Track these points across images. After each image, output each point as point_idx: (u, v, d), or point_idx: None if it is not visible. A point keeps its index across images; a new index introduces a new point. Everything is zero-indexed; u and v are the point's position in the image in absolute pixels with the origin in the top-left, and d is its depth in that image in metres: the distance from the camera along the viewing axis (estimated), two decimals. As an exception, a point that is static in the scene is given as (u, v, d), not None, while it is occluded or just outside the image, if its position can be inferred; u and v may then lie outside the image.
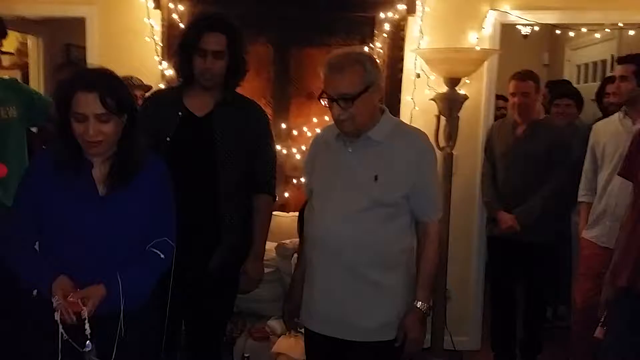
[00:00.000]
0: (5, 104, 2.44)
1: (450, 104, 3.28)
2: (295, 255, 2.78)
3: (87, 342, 1.55)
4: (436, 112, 3.34)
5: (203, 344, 2.38)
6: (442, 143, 3.31)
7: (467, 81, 3.42)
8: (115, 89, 1.76)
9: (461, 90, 3.32)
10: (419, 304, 1.94)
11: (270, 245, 2.91)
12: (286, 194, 3.72)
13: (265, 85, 3.92)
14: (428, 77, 3.53)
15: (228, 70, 2.26)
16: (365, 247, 1.90)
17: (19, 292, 1.85)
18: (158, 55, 3.69)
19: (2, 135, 2.43)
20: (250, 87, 2.51)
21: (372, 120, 1.93)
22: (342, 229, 1.90)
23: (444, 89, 3.30)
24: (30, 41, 4.86)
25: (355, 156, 1.94)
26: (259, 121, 2.40)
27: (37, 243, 1.83)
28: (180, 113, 2.28)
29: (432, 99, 3.35)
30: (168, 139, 2.25)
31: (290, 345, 2.58)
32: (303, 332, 2.63)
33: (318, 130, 3.83)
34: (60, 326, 1.57)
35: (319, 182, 2.03)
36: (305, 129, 3.94)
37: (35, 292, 1.79)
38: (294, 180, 3.90)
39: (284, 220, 3.40)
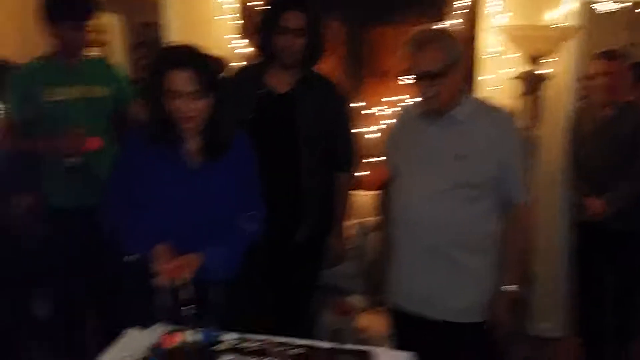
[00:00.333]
0: (100, 83, 2.56)
1: (532, 83, 3.18)
2: (376, 232, 2.79)
3: (184, 307, 1.60)
4: (519, 91, 3.23)
5: (289, 315, 2.46)
6: (524, 124, 3.20)
7: (551, 59, 3.29)
8: (205, 65, 1.81)
9: (544, 69, 3.20)
10: (506, 287, 1.92)
11: (350, 223, 2.93)
12: (363, 173, 3.71)
13: (337, 64, 3.90)
14: (510, 55, 3.41)
15: (307, 48, 2.28)
16: (448, 228, 1.89)
17: (117, 258, 1.93)
18: (233, 34, 3.73)
19: (96, 112, 2.55)
20: (322, 66, 2.51)
21: (456, 99, 1.91)
22: (425, 208, 1.90)
23: (525, 67, 3.19)
24: (109, 19, 5.00)
25: (439, 135, 1.93)
26: (339, 101, 2.42)
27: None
28: (261, 91, 2.32)
29: (512, 78, 3.25)
30: (250, 116, 2.30)
31: (373, 321, 2.60)
32: (386, 308, 2.68)
33: (391, 110, 3.87)
34: (158, 291, 1.62)
35: (402, 160, 2.03)
36: (378, 108, 3.92)
37: (130, 257, 1.87)
38: (370, 160, 3.89)
39: (363, 198, 3.41)
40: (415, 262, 1.95)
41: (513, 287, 1.91)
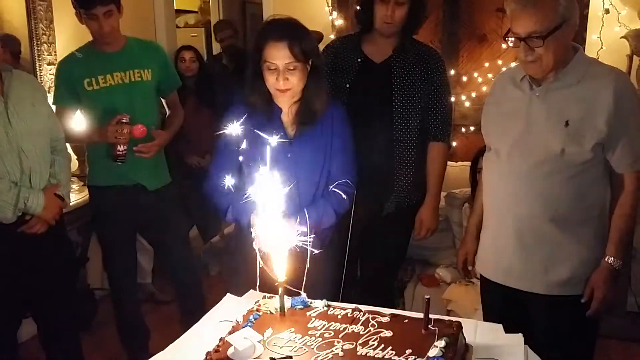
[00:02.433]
0: (142, 67, 2.54)
1: (644, 42, 2.94)
2: (466, 204, 2.76)
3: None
4: (628, 51, 3.01)
5: (377, 285, 2.50)
6: (635, 86, 2.98)
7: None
8: (302, 37, 1.86)
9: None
10: (610, 259, 1.79)
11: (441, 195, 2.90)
12: (454, 143, 3.65)
13: (434, 28, 3.82)
14: (619, 12, 3.17)
15: (408, 17, 2.26)
16: (548, 200, 1.77)
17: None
18: (329, 6, 3.77)
19: (138, 95, 2.55)
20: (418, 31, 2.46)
21: (563, 61, 1.74)
22: (524, 179, 1.79)
23: (638, 24, 2.96)
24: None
25: (543, 100, 1.78)
26: (437, 70, 2.37)
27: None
28: (359, 60, 2.34)
29: (623, 37, 3.03)
30: (347, 85, 2.32)
31: (461, 293, 2.59)
32: (473, 281, 2.66)
33: (490, 76, 3.75)
34: (259, 254, 1.69)
35: (501, 128, 1.90)
36: (475, 74, 3.80)
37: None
38: (463, 129, 3.81)
39: (453, 169, 3.35)
40: (510, 235, 1.85)
41: (616, 261, 1.79)
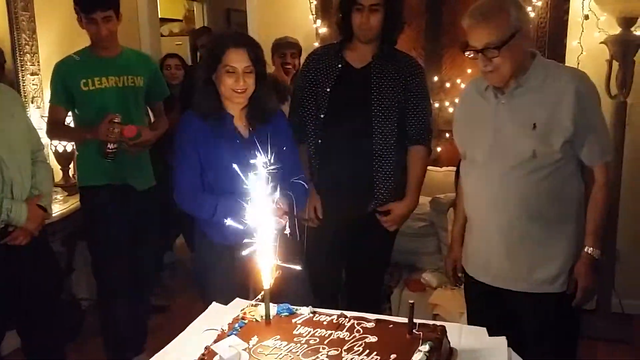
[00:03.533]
0: (135, 73, 2.70)
1: (624, 47, 2.99)
2: (451, 209, 2.78)
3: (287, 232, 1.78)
4: (607, 56, 3.06)
5: (363, 289, 2.53)
6: (614, 91, 3.04)
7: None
8: (256, 46, 2.09)
9: (637, 32, 3.00)
10: (589, 249, 1.86)
11: (424, 200, 2.93)
12: (439, 149, 3.67)
13: (416, 36, 3.85)
14: (598, 18, 3.22)
15: (384, 23, 2.32)
16: (527, 201, 1.83)
17: None
18: (313, 14, 3.79)
19: (129, 100, 2.70)
20: (401, 38, 2.52)
21: (522, 68, 1.82)
22: (501, 183, 1.85)
23: (616, 30, 3.01)
24: (196, 7, 5.22)
25: (509, 107, 1.85)
26: (415, 76, 2.43)
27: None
28: (340, 65, 2.41)
29: (602, 42, 3.07)
30: (328, 89, 2.39)
31: (447, 297, 2.61)
32: (460, 286, 2.68)
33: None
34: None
35: (472, 136, 1.97)
36: (458, 80, 3.83)
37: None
38: (447, 135, 3.84)
39: (438, 174, 3.39)
40: (491, 237, 1.91)
41: (595, 251, 1.86)
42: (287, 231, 1.80)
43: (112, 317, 2.79)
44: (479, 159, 1.93)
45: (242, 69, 2.02)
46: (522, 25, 1.78)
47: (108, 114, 2.51)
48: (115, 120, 2.51)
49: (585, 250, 1.86)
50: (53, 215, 2.55)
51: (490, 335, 1.58)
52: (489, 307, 2.00)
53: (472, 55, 1.81)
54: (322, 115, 2.38)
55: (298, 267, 1.63)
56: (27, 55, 3.30)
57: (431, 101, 2.81)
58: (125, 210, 2.67)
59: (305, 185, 2.08)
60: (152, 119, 3.02)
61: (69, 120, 2.81)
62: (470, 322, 2.07)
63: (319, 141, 2.41)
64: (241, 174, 1.67)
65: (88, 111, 2.64)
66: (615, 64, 3.04)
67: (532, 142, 1.80)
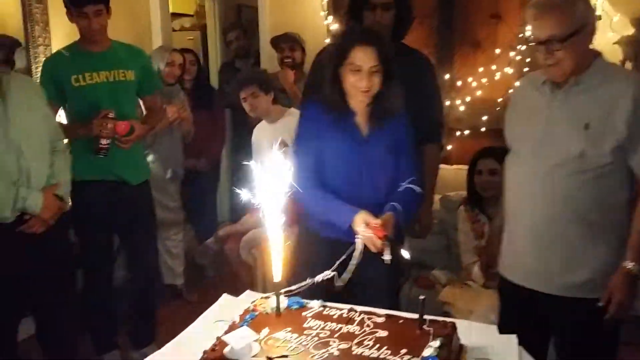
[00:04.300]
0: (125, 67, 2.67)
1: (637, 48, 2.98)
2: (461, 207, 2.78)
3: (387, 257, 1.74)
4: (621, 57, 3.05)
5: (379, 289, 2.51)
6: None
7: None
8: (386, 44, 1.97)
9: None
10: (629, 264, 1.75)
11: (434, 198, 2.92)
12: (449, 147, 3.68)
13: (428, 34, 3.85)
14: (611, 19, 3.21)
15: (395, 21, 2.31)
16: (568, 202, 1.77)
17: None
18: (324, 11, 3.79)
19: (121, 94, 2.67)
20: (413, 37, 2.52)
21: (583, 65, 1.76)
22: (544, 180, 1.80)
23: (630, 30, 3.00)
24: (207, 3, 5.21)
25: (563, 103, 1.79)
26: (427, 73, 2.42)
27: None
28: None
29: (616, 43, 3.07)
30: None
31: (456, 295, 2.61)
32: (469, 283, 2.68)
33: (484, 81, 3.78)
34: (358, 252, 1.77)
35: (520, 132, 1.92)
36: (470, 79, 3.84)
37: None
38: (458, 133, 3.84)
39: (448, 172, 3.38)
40: (527, 234, 1.86)
41: (636, 266, 1.75)
42: (387, 257, 1.75)
43: (94, 312, 2.82)
44: (525, 153, 1.87)
45: (368, 68, 1.92)
46: (588, 21, 1.72)
47: (102, 110, 2.51)
48: (109, 116, 2.51)
49: (625, 265, 1.76)
50: (70, 205, 2.55)
51: (522, 338, 1.56)
52: (522, 308, 1.95)
53: (533, 47, 1.75)
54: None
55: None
56: (41, 47, 3.32)
57: (442, 98, 2.82)
58: (113, 205, 2.67)
59: (417, 190, 2.00)
60: (144, 113, 2.99)
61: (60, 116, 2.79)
62: (502, 321, 2.05)
63: None
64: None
65: (80, 107, 2.62)
66: (629, 65, 3.03)
67: (582, 142, 1.74)
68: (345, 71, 1.95)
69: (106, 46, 2.65)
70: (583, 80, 1.77)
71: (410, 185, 1.99)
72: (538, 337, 1.97)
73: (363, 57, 1.91)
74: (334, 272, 1.68)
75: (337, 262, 1.71)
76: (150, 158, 2.95)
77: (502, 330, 1.64)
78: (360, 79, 1.93)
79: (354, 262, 1.77)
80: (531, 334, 1.89)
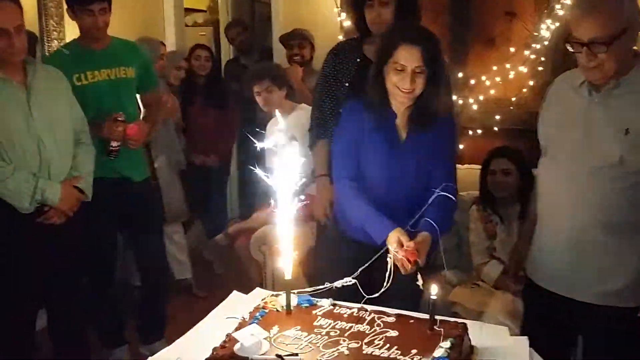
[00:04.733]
0: (124, 64, 2.65)
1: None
2: (473, 207, 2.76)
3: (419, 282, 1.65)
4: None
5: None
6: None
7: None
8: (434, 44, 1.90)
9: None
10: None
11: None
12: (461, 146, 3.65)
13: (442, 32, 3.80)
14: None
15: (397, 16, 2.28)
16: (605, 208, 1.71)
17: None
18: (338, 7, 3.78)
19: (123, 92, 2.66)
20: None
21: (625, 66, 1.68)
22: (580, 185, 1.73)
23: None
24: (220, -1, 5.23)
25: (603, 107, 1.71)
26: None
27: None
28: (358, 59, 2.38)
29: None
30: (346, 84, 2.37)
31: (466, 295, 2.59)
32: (479, 284, 2.67)
33: (498, 79, 3.74)
34: (389, 270, 1.70)
35: (555, 134, 1.85)
36: (483, 77, 3.80)
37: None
38: (470, 132, 3.81)
39: (460, 171, 3.28)
40: (561, 240, 1.80)
41: None
42: (420, 283, 1.66)
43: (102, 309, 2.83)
44: (561, 157, 1.81)
45: (412, 69, 1.86)
46: (634, 21, 1.64)
47: (113, 113, 2.53)
48: (119, 119, 2.52)
49: None
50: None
51: (546, 342, 1.54)
52: (549, 314, 1.89)
53: (575, 48, 1.66)
54: (340, 110, 2.36)
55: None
56: (55, 41, 3.34)
57: (453, 98, 2.78)
58: (117, 203, 2.67)
59: (453, 199, 1.87)
60: (142, 111, 2.95)
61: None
62: (525, 326, 2.03)
63: None
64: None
65: (82, 105, 2.55)
66: None
67: (621, 148, 1.67)
68: (389, 70, 1.91)
69: (106, 43, 2.64)
70: (624, 83, 1.69)
71: (444, 193, 1.84)
72: (563, 342, 1.95)
73: (407, 57, 1.86)
74: (354, 280, 1.65)
75: (359, 270, 1.68)
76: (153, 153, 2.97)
77: (526, 334, 1.61)
78: (403, 79, 1.88)
79: (386, 284, 1.68)
80: (556, 340, 1.89)
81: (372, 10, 2.28)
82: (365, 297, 1.63)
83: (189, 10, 5.58)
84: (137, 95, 2.86)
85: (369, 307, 1.61)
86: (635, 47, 1.71)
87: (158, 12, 4.29)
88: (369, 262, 1.73)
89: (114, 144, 2.55)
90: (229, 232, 3.57)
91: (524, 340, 1.55)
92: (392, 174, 1.96)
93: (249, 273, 3.35)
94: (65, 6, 2.62)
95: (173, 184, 3.55)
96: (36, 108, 2.19)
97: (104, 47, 2.62)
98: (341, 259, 2.00)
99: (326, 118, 2.43)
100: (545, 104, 1.95)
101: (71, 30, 3.41)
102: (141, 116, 2.87)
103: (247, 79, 3.31)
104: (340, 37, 3.64)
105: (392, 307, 1.63)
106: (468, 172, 3.26)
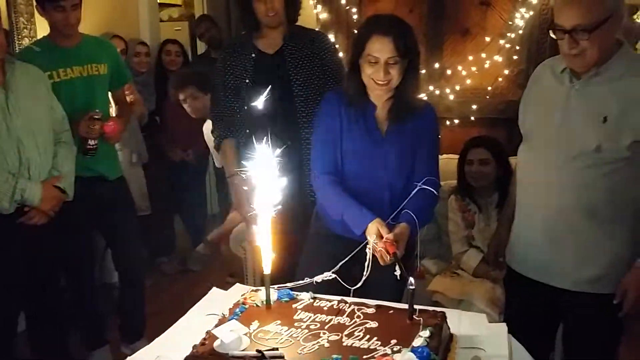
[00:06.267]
0: (98, 61, 2.62)
1: (625, 36, 2.95)
2: (452, 196, 2.78)
3: (410, 279, 1.56)
4: None
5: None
6: None
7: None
8: (407, 35, 1.87)
9: (639, 20, 2.99)
10: None
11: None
12: (439, 136, 3.67)
13: (418, 22, 3.83)
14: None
15: (286, 5, 2.31)
16: (582, 195, 1.73)
17: None
18: (313, 0, 3.77)
19: (96, 89, 2.62)
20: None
21: (607, 55, 1.68)
22: (558, 172, 1.75)
23: None
24: (195, -7, 5.16)
25: (582, 94, 1.72)
26: (327, 51, 2.41)
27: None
28: (253, 55, 2.38)
29: None
30: (247, 81, 2.36)
31: (446, 284, 2.61)
32: (459, 272, 2.69)
33: (474, 69, 3.77)
34: (368, 261, 1.70)
35: (535, 121, 1.85)
36: (459, 67, 3.83)
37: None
38: (447, 122, 3.84)
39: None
40: (538, 227, 1.82)
41: None
42: (398, 273, 1.66)
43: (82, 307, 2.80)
44: (539, 143, 1.82)
45: (385, 60, 1.83)
46: (617, 8, 1.64)
47: (89, 111, 2.48)
48: (96, 117, 2.48)
49: (636, 262, 1.73)
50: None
51: (529, 329, 1.56)
52: (530, 301, 1.91)
53: (557, 35, 1.67)
54: (245, 107, 2.34)
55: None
56: (26, 39, 3.28)
57: (430, 88, 2.78)
58: (91, 201, 2.62)
59: (435, 192, 1.87)
60: (114, 107, 2.91)
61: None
62: (507, 313, 2.05)
63: (247, 131, 2.38)
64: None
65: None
66: None
67: (599, 136, 1.68)
68: (363, 63, 1.87)
69: (77, 40, 2.58)
70: (604, 71, 1.69)
71: (426, 187, 1.85)
72: (545, 328, 1.97)
73: (380, 48, 1.82)
74: (334, 275, 1.66)
75: (339, 265, 1.69)
76: (117, 146, 2.92)
77: (507, 321, 1.63)
78: (377, 71, 1.85)
79: (365, 273, 1.71)
80: (538, 326, 1.91)
81: (260, 3, 2.27)
82: (349, 288, 1.64)
83: (163, 5, 5.51)
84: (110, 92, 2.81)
85: (349, 299, 1.61)
86: (617, 36, 1.72)
87: (132, 6, 4.23)
88: (349, 257, 1.73)
89: (91, 142, 2.51)
90: (209, 240, 3.56)
91: (503, 327, 1.56)
92: (373, 166, 1.95)
93: (230, 269, 3.33)
94: (34, 2, 2.56)
95: (136, 178, 3.51)
96: (14, 108, 2.15)
97: (75, 44, 2.57)
98: (321, 253, 2.00)
99: (227, 114, 2.42)
100: (526, 90, 1.96)
101: (43, 27, 3.35)
102: (114, 113, 2.84)
103: (170, 88, 3.28)
104: (317, 29, 3.64)
105: (376, 299, 1.64)
106: (446, 162, 3.27)
